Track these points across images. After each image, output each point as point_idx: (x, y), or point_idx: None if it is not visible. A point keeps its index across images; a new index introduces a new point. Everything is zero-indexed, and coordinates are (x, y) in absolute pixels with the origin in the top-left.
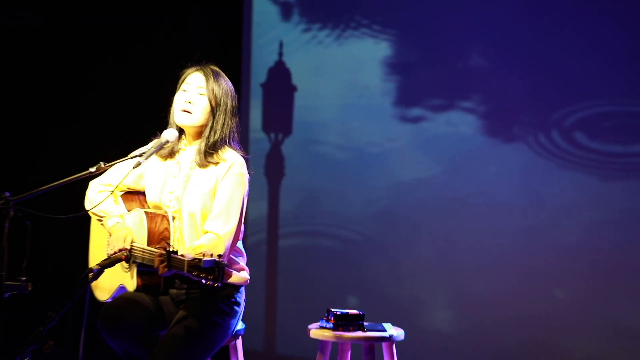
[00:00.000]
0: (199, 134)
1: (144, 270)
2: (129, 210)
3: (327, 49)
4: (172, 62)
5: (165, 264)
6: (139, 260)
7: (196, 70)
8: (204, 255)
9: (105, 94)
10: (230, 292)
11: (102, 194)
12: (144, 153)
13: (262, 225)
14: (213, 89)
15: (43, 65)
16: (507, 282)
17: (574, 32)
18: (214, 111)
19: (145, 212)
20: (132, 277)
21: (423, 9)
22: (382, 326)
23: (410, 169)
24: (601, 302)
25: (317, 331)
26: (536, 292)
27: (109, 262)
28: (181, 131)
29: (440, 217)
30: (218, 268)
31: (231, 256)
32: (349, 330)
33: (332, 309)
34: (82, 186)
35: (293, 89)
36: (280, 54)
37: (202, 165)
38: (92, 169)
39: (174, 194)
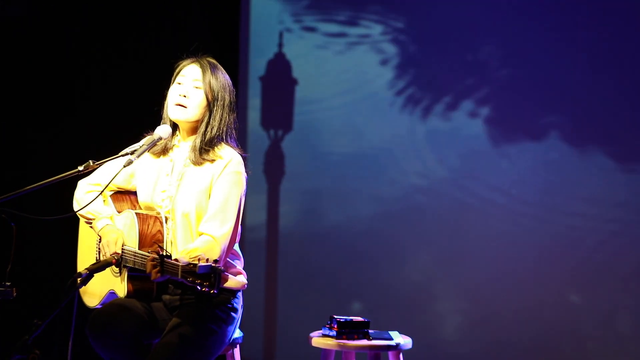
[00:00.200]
0: (193, 130)
1: (136, 275)
2: (119, 212)
3: (330, 40)
4: (165, 54)
5: (157, 268)
6: (130, 265)
7: (192, 62)
8: (199, 259)
9: (94, 87)
10: (227, 297)
11: (91, 194)
12: (135, 150)
13: (260, 227)
14: (210, 83)
15: (26, 57)
16: (520, 288)
17: (590, 27)
18: (210, 106)
19: (137, 214)
20: (122, 282)
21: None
22: (389, 334)
23: (416, 168)
24: (620, 309)
25: (320, 339)
26: (550, 298)
27: (99, 266)
28: (175, 127)
29: (449, 220)
30: (214, 274)
31: (228, 259)
32: (353, 339)
33: (336, 316)
34: (69, 186)
35: (294, 82)
36: (280, 45)
37: (196, 162)
38: (81, 168)
39: (167, 193)
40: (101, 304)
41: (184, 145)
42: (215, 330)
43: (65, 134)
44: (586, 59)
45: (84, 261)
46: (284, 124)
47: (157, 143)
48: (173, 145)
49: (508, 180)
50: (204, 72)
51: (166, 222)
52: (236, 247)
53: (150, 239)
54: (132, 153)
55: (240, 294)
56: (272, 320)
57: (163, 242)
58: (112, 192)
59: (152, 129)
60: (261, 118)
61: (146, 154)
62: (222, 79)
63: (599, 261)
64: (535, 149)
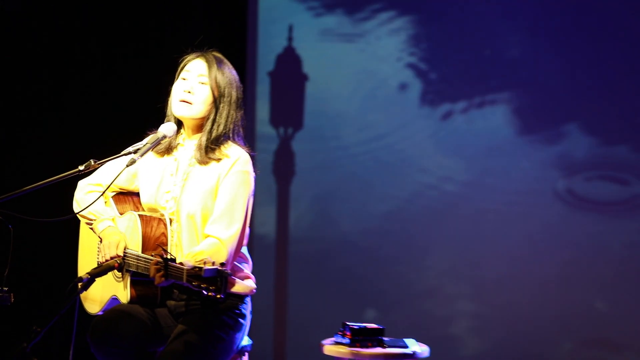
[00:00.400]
0: (199, 128)
1: (139, 279)
2: (121, 213)
3: (341, 34)
4: (169, 48)
5: (162, 273)
6: (132, 269)
7: (197, 56)
8: (204, 263)
9: (95, 84)
10: (235, 302)
11: (91, 194)
12: (138, 149)
13: (269, 229)
14: (216, 78)
15: (25, 54)
16: (541, 293)
17: (617, 18)
18: (216, 102)
19: (140, 215)
20: (125, 287)
21: None
22: (404, 342)
23: (434, 168)
24: None
25: (332, 347)
26: (574, 304)
27: (100, 270)
28: (180, 125)
29: (468, 222)
30: (220, 278)
31: (235, 263)
32: (367, 347)
33: (348, 323)
34: (69, 186)
35: (304, 78)
36: (290, 39)
37: (202, 161)
38: (81, 167)
39: (172, 193)
40: (103, 311)
41: (189, 143)
42: (223, 337)
43: (65, 132)
44: (611, 56)
45: (85, 265)
46: (294, 121)
47: (161, 141)
48: (178, 143)
49: (528, 179)
50: (209, 67)
51: (170, 224)
52: (244, 250)
53: (154, 242)
54: (135, 152)
55: (248, 299)
56: (282, 326)
57: (167, 245)
58: (114, 193)
59: (155, 126)
60: (270, 115)
61: (150, 153)
62: (229, 74)
63: (626, 266)
64: (557, 149)
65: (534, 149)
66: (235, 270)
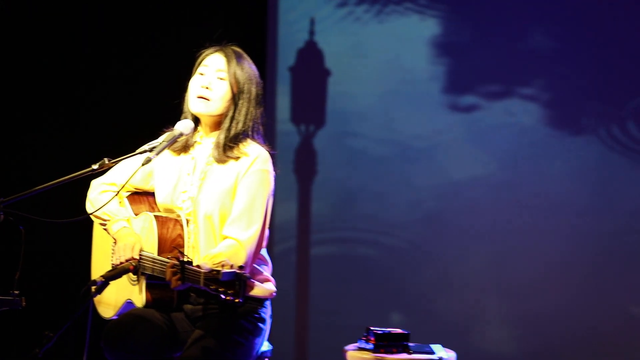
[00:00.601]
0: (217, 125)
1: (155, 283)
2: (136, 214)
3: (365, 26)
4: (186, 42)
5: (178, 276)
6: (148, 272)
7: (215, 51)
8: (222, 265)
9: (109, 79)
10: (254, 306)
11: (105, 194)
12: (154, 147)
13: (290, 230)
14: (235, 74)
15: (37, 50)
16: (574, 295)
17: None
18: (235, 99)
19: (156, 216)
20: (140, 291)
21: None
22: (430, 347)
23: (461, 165)
24: None
25: (355, 353)
26: (608, 307)
27: (115, 273)
28: (197, 122)
29: (496, 221)
30: (239, 281)
31: (254, 265)
32: (392, 352)
33: (372, 328)
34: (83, 186)
35: (326, 73)
36: (312, 33)
37: (220, 160)
38: (95, 166)
39: (188, 193)
40: (117, 315)
41: (207, 141)
42: (242, 342)
43: (78, 129)
44: None
45: (98, 268)
46: (316, 118)
47: (178, 139)
48: (195, 141)
49: (560, 177)
50: (228, 61)
51: (187, 225)
52: (263, 251)
53: (170, 244)
54: (150, 150)
55: (268, 303)
56: (304, 331)
57: (183, 247)
58: (129, 192)
59: (172, 124)
60: (291, 112)
61: (166, 151)
62: (249, 69)
63: None
64: (591, 145)
65: (568, 145)
66: (255, 273)
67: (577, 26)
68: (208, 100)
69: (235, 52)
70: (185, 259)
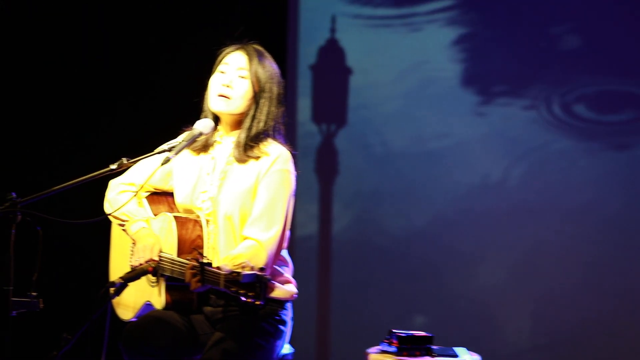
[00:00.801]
0: (237, 124)
1: (174, 284)
2: (155, 214)
3: (388, 24)
4: (205, 40)
5: (198, 277)
6: (167, 273)
7: (236, 49)
8: (243, 267)
9: (127, 78)
10: (275, 308)
11: (124, 194)
12: (173, 147)
13: (311, 231)
14: (256, 72)
15: (52, 51)
16: (603, 302)
17: None
18: (256, 98)
19: (175, 217)
20: (160, 292)
21: None
22: (454, 351)
23: (484, 167)
24: None
25: (378, 356)
26: (639, 313)
27: (133, 275)
28: (216, 121)
29: (521, 224)
30: (260, 283)
31: (275, 266)
32: (415, 355)
33: (395, 330)
34: (101, 186)
35: (348, 71)
36: (333, 30)
37: (241, 160)
38: (113, 166)
39: (208, 193)
40: (136, 317)
41: (227, 140)
42: (262, 345)
43: (96, 129)
44: None
45: (117, 269)
46: (337, 117)
47: (197, 139)
48: (214, 141)
49: (585, 180)
50: (250, 60)
51: (207, 225)
52: (284, 252)
53: (190, 245)
54: (169, 150)
55: (289, 304)
56: (325, 334)
57: (203, 247)
58: (148, 193)
59: (191, 123)
60: (312, 111)
61: (185, 150)
62: (270, 68)
63: None
64: (618, 148)
65: (596, 149)
66: (275, 274)
67: (602, 25)
68: (229, 98)
69: (256, 51)
70: (205, 260)
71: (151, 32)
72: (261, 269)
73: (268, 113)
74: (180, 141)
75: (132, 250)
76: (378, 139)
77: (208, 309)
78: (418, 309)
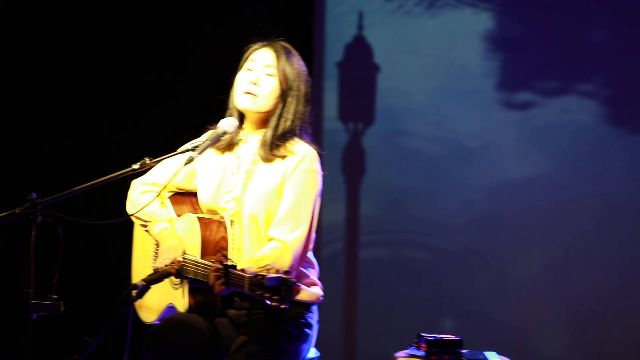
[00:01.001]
0: (263, 122)
1: (198, 287)
2: (178, 215)
3: (416, 20)
4: (229, 37)
5: (222, 280)
6: (191, 276)
7: (264, 46)
8: (268, 270)
9: (149, 75)
10: (300, 311)
11: (147, 195)
12: (197, 146)
13: (338, 233)
14: (284, 70)
15: (73, 43)
16: (638, 301)
17: None
18: (284, 96)
19: (199, 218)
20: (183, 295)
21: None
22: (484, 355)
23: (516, 165)
24: None
25: None
26: None
27: (156, 277)
28: (241, 119)
29: (553, 224)
30: (285, 287)
31: (300, 268)
32: None
33: (424, 334)
34: (123, 186)
35: (375, 68)
36: (360, 27)
37: (266, 159)
38: (136, 166)
39: (233, 193)
40: (159, 320)
41: (252, 139)
42: (288, 348)
43: (117, 127)
44: None
45: (139, 271)
46: (364, 116)
47: (222, 138)
48: (239, 139)
49: (620, 177)
50: (277, 57)
51: (231, 225)
52: (310, 254)
53: (214, 247)
54: (193, 149)
55: (315, 307)
56: (352, 337)
57: (227, 249)
58: (171, 193)
59: (215, 121)
60: (338, 110)
61: (209, 149)
62: (298, 66)
63: None
64: None
65: (628, 144)
66: (301, 276)
67: (637, 20)
68: (256, 96)
69: (284, 48)
70: (229, 263)
71: (176, 29)
72: (286, 272)
73: (295, 112)
74: (204, 140)
75: (155, 252)
76: (406, 137)
77: (232, 311)
78: (447, 312)
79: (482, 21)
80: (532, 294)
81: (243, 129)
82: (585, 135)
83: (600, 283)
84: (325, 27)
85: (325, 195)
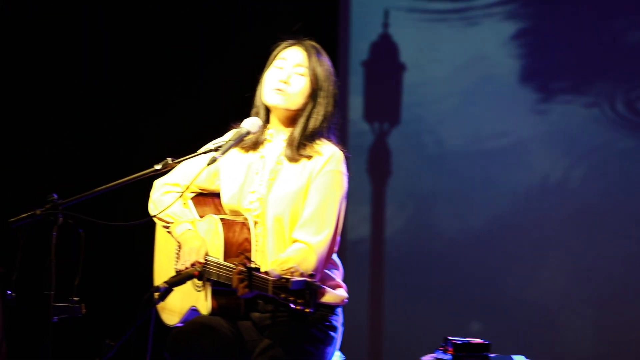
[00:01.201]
0: (289, 121)
1: (221, 290)
2: (201, 216)
3: (443, 19)
4: (254, 36)
5: (245, 283)
6: (214, 278)
7: (293, 44)
8: (292, 273)
9: (172, 75)
10: (325, 314)
11: (169, 195)
12: (220, 146)
13: (363, 234)
14: (315, 69)
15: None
16: None
17: None
18: (313, 95)
19: (222, 219)
20: (206, 297)
21: None
22: (512, 359)
23: (544, 166)
24: None
25: None
26: None
27: (179, 279)
28: (266, 118)
29: (584, 227)
30: (309, 290)
31: (325, 270)
32: None
33: (451, 337)
34: (145, 187)
35: (401, 68)
36: (386, 26)
37: (292, 159)
38: (157, 166)
39: (257, 194)
40: (182, 322)
41: (278, 139)
42: (312, 352)
43: (139, 127)
44: None
45: (162, 273)
46: (390, 116)
47: (245, 138)
48: (264, 139)
49: None
50: (309, 56)
51: (255, 226)
52: (334, 256)
53: (237, 249)
54: (216, 149)
55: (339, 310)
56: (377, 340)
57: (251, 251)
58: (194, 194)
59: (239, 120)
60: (364, 109)
61: (233, 149)
62: (327, 66)
63: None
64: None
65: None
66: (325, 279)
67: None
68: (286, 93)
69: (314, 47)
70: (253, 265)
71: (201, 27)
72: (311, 275)
73: (325, 112)
74: (227, 140)
75: (177, 254)
76: (433, 138)
77: (256, 314)
78: (474, 315)
79: (509, 20)
80: (560, 297)
81: (268, 129)
82: (615, 136)
83: (632, 288)
84: (350, 25)
85: (351, 196)
